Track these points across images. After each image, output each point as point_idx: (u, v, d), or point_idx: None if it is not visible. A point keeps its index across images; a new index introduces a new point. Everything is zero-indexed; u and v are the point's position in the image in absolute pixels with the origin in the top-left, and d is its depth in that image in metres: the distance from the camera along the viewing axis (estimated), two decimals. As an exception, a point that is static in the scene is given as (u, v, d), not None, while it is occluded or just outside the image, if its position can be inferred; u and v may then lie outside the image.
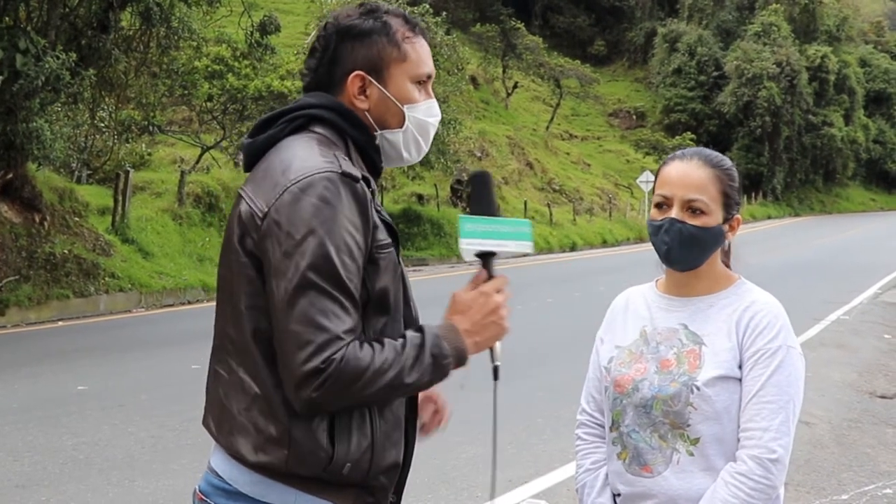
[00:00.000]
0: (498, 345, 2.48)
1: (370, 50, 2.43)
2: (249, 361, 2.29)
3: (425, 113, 2.52)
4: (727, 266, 2.85)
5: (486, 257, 2.48)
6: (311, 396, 2.15)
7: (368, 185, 2.31)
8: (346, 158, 2.33)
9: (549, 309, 17.42)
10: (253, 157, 2.44)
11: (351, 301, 2.21)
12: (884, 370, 12.42)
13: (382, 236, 2.33)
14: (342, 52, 2.43)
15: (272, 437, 2.25)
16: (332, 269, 2.18)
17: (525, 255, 2.58)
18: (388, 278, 2.34)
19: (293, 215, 2.20)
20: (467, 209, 2.52)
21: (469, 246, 2.45)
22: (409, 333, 2.31)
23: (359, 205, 2.25)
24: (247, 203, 2.32)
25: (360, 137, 2.42)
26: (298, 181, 2.23)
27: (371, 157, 2.45)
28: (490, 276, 2.46)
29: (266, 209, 2.25)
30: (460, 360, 2.36)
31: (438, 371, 2.31)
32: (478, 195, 2.55)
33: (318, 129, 2.40)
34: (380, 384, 2.20)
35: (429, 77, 2.53)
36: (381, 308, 2.33)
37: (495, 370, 2.50)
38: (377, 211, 2.34)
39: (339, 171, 2.24)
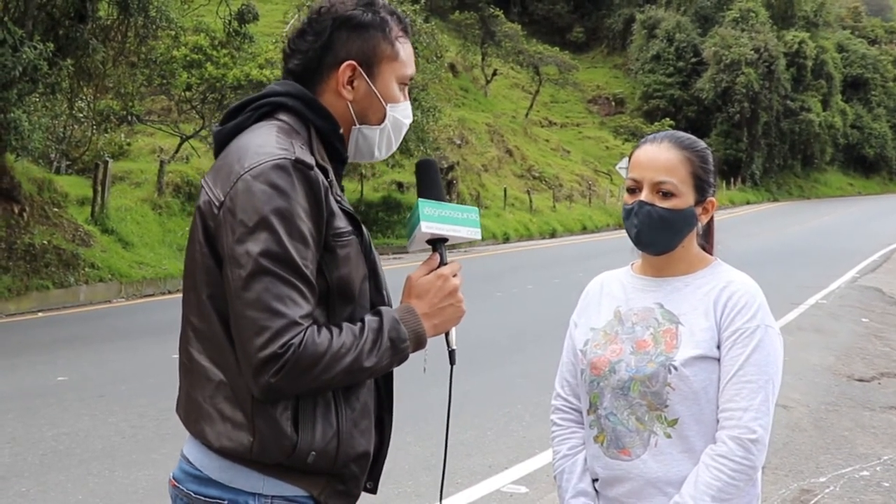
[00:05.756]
0: (453, 330, 2.50)
1: (366, 43, 2.45)
2: (214, 349, 2.31)
3: (403, 114, 2.55)
4: (707, 252, 2.84)
5: (437, 243, 2.50)
6: (269, 382, 2.16)
7: (326, 175, 2.32)
8: (305, 147, 2.34)
9: (529, 295, 17.35)
10: (221, 144, 2.47)
11: (307, 286, 2.23)
12: (861, 354, 12.51)
13: (341, 224, 2.33)
14: (336, 39, 2.43)
15: (238, 424, 2.26)
16: (286, 254, 2.19)
17: (474, 241, 2.60)
18: (349, 267, 2.34)
19: (246, 203, 2.22)
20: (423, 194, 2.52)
21: (428, 230, 2.46)
22: (368, 317, 2.33)
23: (311, 192, 2.26)
24: (206, 193, 2.35)
25: (323, 126, 2.43)
26: (251, 169, 2.25)
27: (335, 146, 2.46)
28: (442, 261, 2.48)
29: (222, 198, 2.28)
30: (419, 344, 2.39)
31: (397, 355, 2.34)
32: (429, 181, 2.56)
33: (282, 117, 2.42)
34: (338, 369, 2.22)
35: (411, 79, 2.56)
36: (345, 297, 2.34)
37: (451, 354, 2.52)
38: (337, 200, 2.35)
39: (293, 158, 2.25)
